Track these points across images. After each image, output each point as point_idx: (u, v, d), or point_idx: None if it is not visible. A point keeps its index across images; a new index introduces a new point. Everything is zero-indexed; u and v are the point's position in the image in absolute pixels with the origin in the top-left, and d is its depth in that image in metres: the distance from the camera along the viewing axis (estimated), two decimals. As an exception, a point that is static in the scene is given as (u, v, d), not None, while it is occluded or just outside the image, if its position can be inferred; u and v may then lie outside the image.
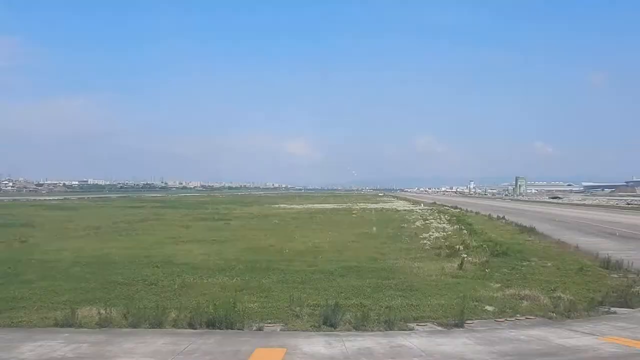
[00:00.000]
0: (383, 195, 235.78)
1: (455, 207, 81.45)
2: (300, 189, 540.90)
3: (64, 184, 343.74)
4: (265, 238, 35.25)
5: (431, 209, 77.25)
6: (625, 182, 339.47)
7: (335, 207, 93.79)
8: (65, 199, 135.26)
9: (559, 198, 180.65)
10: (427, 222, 49.84)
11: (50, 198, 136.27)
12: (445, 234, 36.97)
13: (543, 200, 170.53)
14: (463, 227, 41.62)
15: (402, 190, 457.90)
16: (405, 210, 79.63)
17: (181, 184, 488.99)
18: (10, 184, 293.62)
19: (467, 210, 72.21)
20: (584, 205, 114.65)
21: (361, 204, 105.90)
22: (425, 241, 32.85)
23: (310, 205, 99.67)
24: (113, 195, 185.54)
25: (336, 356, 11.15)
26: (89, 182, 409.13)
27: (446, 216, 58.35)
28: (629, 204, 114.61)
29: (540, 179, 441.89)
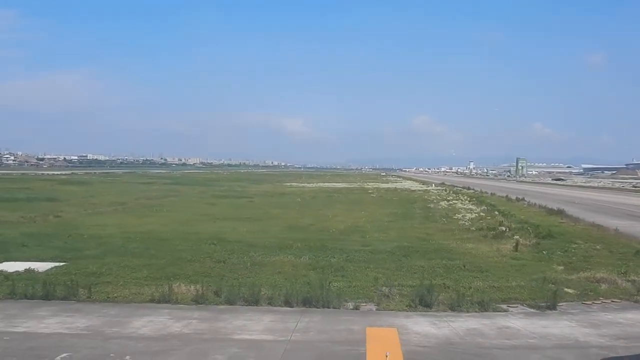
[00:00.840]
0: (386, 175, 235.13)
1: (468, 188, 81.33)
2: (299, 168, 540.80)
3: (64, 158, 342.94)
4: (299, 217, 35.32)
5: (445, 190, 77.34)
6: (625, 165, 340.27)
7: (347, 186, 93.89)
8: (72, 173, 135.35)
9: (563, 180, 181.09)
10: (450, 202, 49.95)
11: (57, 173, 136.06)
12: (476, 215, 37.07)
13: (547, 182, 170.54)
14: (489, 209, 41.69)
15: (401, 170, 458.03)
16: (420, 190, 79.82)
17: (180, 160, 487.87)
18: (12, 157, 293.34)
19: (481, 191, 72.12)
20: (591, 187, 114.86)
21: (371, 184, 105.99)
22: (461, 222, 33.01)
23: (321, 184, 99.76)
24: (118, 171, 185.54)
25: (450, 336, 11.24)
26: (88, 157, 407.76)
27: (465, 197, 58.38)
28: (635, 187, 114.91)
29: (539, 160, 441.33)
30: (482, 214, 37.61)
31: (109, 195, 55.50)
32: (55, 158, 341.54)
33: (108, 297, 13.85)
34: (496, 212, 37.86)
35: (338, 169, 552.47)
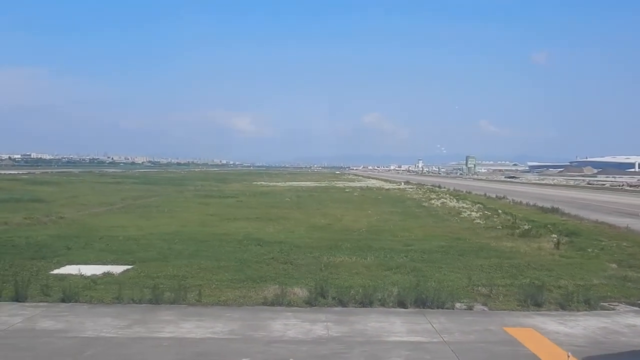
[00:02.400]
0: (342, 174, 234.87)
1: (439, 187, 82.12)
2: (248, 166, 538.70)
3: (9, 157, 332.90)
4: (309, 217, 35.11)
5: (419, 188, 78.05)
6: (570, 162, 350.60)
7: (318, 185, 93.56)
8: (29, 173, 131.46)
9: (516, 178, 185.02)
10: (440, 201, 50.50)
11: (11, 172, 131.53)
12: (481, 213, 37.52)
13: (501, 179, 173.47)
14: (484, 207, 42.40)
15: (349, 169, 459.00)
16: (394, 189, 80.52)
17: (127, 159, 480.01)
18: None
19: (455, 190, 73.04)
20: (550, 185, 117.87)
21: (340, 183, 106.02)
22: (476, 221, 33.43)
23: (290, 183, 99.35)
24: (74, 170, 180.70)
25: (591, 335, 11.53)
26: (32, 156, 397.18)
27: (447, 195, 59.15)
28: (590, 184, 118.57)
29: (485, 157, 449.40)
30: (486, 212, 38.07)
31: (90, 195, 54.09)
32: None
33: (219, 300, 13.61)
34: (499, 211, 38.45)
35: (287, 167, 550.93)
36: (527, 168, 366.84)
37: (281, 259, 19.28)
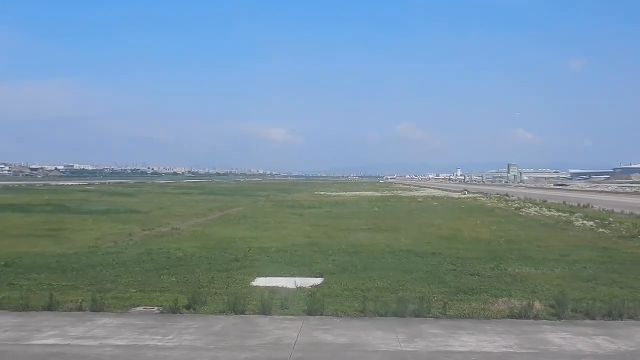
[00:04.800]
0: (387, 184, 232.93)
1: (507, 195, 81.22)
2: (285, 176, 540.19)
3: (56, 168, 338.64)
4: (422, 228, 34.85)
5: (487, 197, 77.49)
6: (613, 169, 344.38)
7: (382, 195, 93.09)
8: (89, 184, 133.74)
9: (566, 185, 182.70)
10: (531, 210, 50.02)
11: (65, 183, 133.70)
12: (593, 223, 36.77)
13: (551, 187, 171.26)
14: (583, 215, 41.87)
15: (385, 178, 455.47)
16: (466, 198, 79.83)
17: (167, 169, 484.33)
18: (7, 168, 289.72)
19: (526, 198, 72.07)
20: (611, 192, 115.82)
21: (401, 192, 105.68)
22: (602, 230, 32.94)
23: (354, 193, 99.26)
24: (129, 181, 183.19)
25: None
26: (74, 167, 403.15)
27: (529, 204, 58.68)
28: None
29: (521, 165, 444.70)
30: (596, 221, 37.45)
31: (175, 206, 54.79)
32: (42, 168, 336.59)
33: (470, 313, 13.59)
34: (611, 219, 38.00)
35: (324, 177, 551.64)
36: (569, 175, 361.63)
37: (461, 270, 19.26)
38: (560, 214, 44.83)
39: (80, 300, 14.23)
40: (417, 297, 14.70)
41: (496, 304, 14.16)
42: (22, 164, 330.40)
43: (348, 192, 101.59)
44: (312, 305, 13.66)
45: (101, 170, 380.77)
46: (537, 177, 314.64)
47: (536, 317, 13.25)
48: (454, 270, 19.28)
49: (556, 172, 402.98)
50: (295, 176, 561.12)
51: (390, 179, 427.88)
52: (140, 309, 14.08)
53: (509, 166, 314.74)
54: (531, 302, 13.80)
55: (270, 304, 13.65)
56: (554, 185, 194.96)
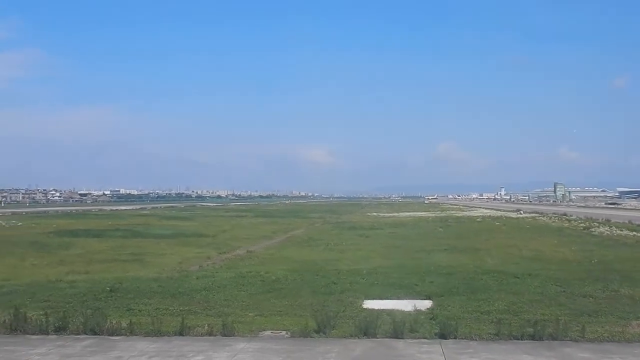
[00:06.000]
0: (435, 204, 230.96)
1: (565, 214, 79.87)
2: (328, 197, 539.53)
3: (103, 193, 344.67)
4: (503, 249, 34.03)
5: (545, 216, 76.52)
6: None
7: (436, 215, 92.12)
8: (141, 208, 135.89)
9: (618, 204, 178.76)
10: (603, 228, 49.11)
11: (127, 208, 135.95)
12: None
13: (603, 205, 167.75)
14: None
15: (427, 198, 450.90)
16: (525, 218, 78.35)
17: (209, 192, 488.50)
18: (57, 194, 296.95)
19: (586, 217, 70.67)
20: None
21: (455, 212, 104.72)
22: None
23: (408, 214, 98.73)
24: (179, 205, 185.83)
25: None
26: (120, 192, 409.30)
27: (596, 223, 57.40)
28: None
29: (568, 184, 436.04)
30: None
31: (237, 230, 55.29)
32: (90, 193, 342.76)
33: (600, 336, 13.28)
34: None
35: (365, 197, 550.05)
36: (617, 194, 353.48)
37: (570, 291, 18.89)
38: (635, 233, 43.78)
39: (206, 325, 14.33)
40: (544, 319, 14.45)
41: (630, 326, 13.81)
42: (71, 189, 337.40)
43: (400, 213, 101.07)
44: (445, 329, 13.49)
45: (146, 194, 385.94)
46: (585, 196, 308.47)
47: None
48: (564, 292, 18.91)
49: (603, 191, 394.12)
50: (337, 197, 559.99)
51: (432, 199, 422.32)
52: (269, 332, 14.11)
53: (555, 185, 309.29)
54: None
55: (402, 327, 13.53)
56: (605, 204, 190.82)
